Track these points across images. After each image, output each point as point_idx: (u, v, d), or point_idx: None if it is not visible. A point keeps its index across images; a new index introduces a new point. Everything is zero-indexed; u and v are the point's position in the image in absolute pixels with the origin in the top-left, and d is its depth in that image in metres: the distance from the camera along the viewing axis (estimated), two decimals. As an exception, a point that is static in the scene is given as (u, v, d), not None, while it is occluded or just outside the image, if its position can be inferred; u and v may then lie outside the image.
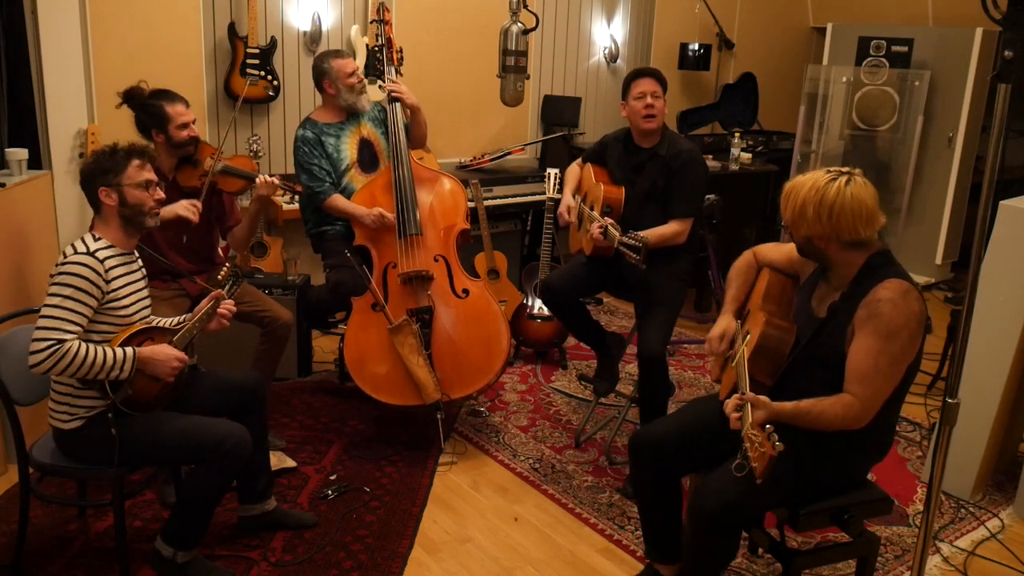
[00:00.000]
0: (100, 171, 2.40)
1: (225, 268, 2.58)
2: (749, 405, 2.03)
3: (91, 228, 2.45)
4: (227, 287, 2.55)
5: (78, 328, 2.27)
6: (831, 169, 2.17)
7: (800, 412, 2.09)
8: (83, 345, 2.24)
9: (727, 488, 2.11)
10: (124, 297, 2.40)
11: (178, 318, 2.63)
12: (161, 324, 2.58)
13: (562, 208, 3.35)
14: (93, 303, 2.30)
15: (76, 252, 2.31)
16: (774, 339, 2.25)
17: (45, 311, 2.25)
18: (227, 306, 2.55)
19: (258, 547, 2.71)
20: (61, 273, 2.27)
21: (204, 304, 2.53)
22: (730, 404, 2.09)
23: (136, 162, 2.43)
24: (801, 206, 2.14)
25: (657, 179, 3.19)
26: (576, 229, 3.43)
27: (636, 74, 3.26)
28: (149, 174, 2.46)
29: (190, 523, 2.44)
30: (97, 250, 2.34)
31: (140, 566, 2.57)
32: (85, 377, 2.27)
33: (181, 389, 2.49)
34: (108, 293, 2.34)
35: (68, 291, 2.26)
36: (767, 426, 1.92)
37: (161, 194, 2.51)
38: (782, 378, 2.25)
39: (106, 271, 2.33)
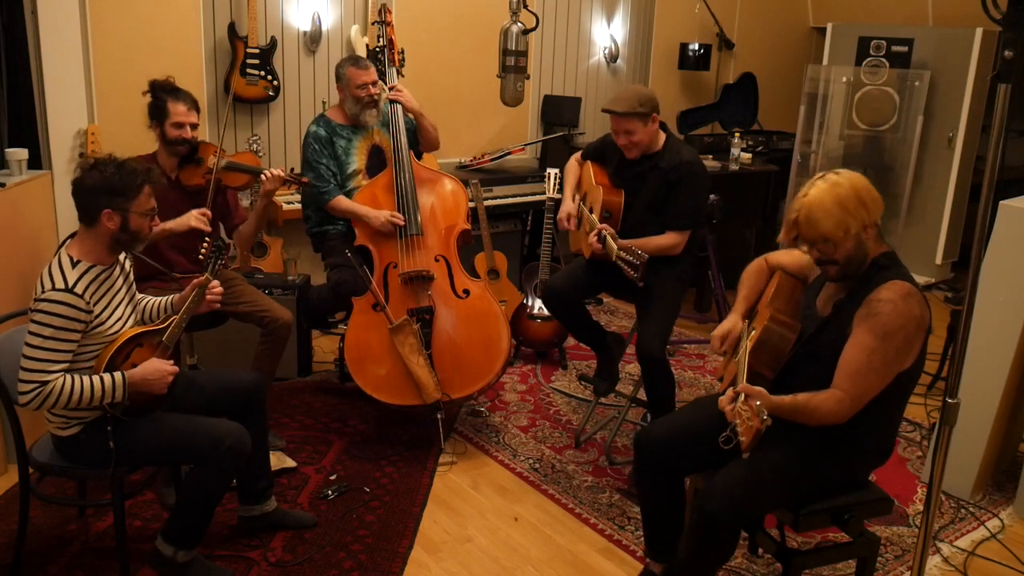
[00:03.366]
0: (111, 191, 2.27)
1: (204, 246, 2.51)
2: (743, 395, 2.04)
3: (66, 244, 2.35)
4: (209, 266, 2.49)
5: (63, 364, 2.22)
6: (805, 185, 2.16)
7: (797, 406, 2.10)
8: (68, 380, 2.20)
9: (734, 489, 2.12)
10: (108, 317, 2.35)
11: (168, 299, 2.59)
12: (149, 311, 2.56)
13: (562, 214, 3.32)
14: (76, 337, 2.24)
15: (54, 288, 2.20)
16: (776, 334, 2.26)
17: (27, 350, 2.19)
18: (213, 288, 2.47)
19: (258, 547, 2.71)
20: (40, 311, 2.19)
21: (187, 293, 2.49)
22: (725, 398, 2.10)
23: (148, 189, 2.34)
24: (839, 212, 2.08)
25: (658, 191, 3.16)
26: (575, 228, 3.42)
27: (605, 109, 3.14)
28: (153, 201, 2.38)
29: (190, 522, 2.44)
30: (76, 283, 2.23)
31: (140, 566, 2.57)
32: (78, 407, 2.26)
33: (177, 389, 2.47)
34: (92, 321, 2.28)
35: (48, 331, 2.19)
36: (758, 402, 1.93)
37: (157, 221, 2.42)
38: (782, 374, 2.26)
39: (87, 302, 2.24)
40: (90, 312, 2.26)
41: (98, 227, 2.31)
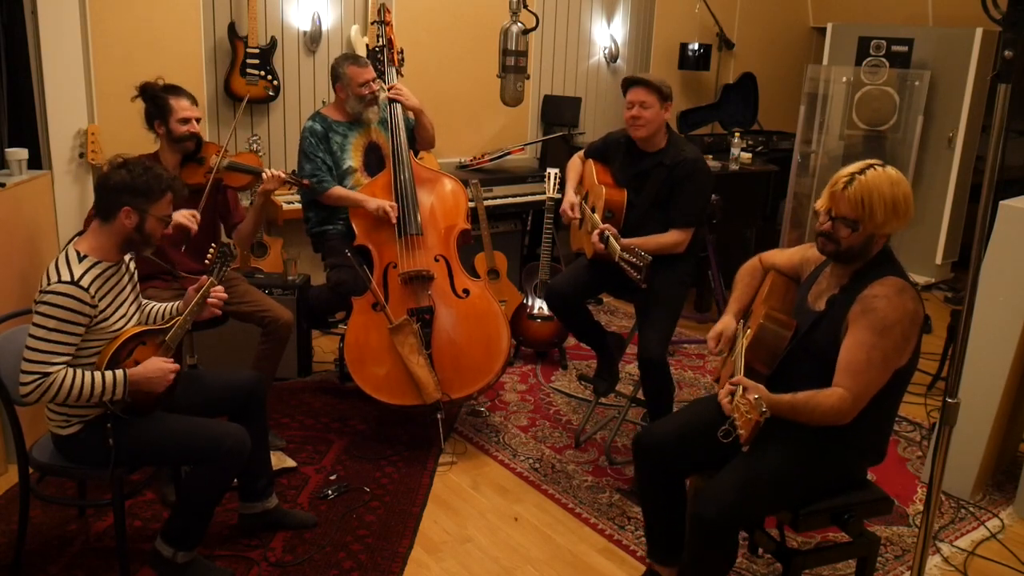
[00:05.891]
0: (134, 190, 2.32)
1: (211, 250, 2.54)
2: (741, 387, 2.03)
3: (74, 240, 2.37)
4: (215, 271, 2.51)
5: (65, 357, 2.23)
6: (853, 166, 2.15)
7: (797, 405, 2.08)
8: (70, 374, 2.21)
9: (726, 494, 2.11)
10: (112, 314, 2.35)
11: (172, 304, 2.60)
12: (153, 316, 2.56)
13: (565, 206, 3.31)
14: (80, 331, 2.25)
15: (60, 280, 2.22)
16: (771, 331, 2.26)
17: (30, 342, 2.20)
18: (217, 293, 2.49)
19: (258, 547, 2.71)
20: (45, 303, 2.20)
21: (192, 294, 2.50)
22: (724, 390, 2.10)
23: (169, 196, 2.39)
24: (887, 209, 2.12)
25: (661, 188, 3.15)
26: (578, 227, 3.42)
27: (628, 82, 3.19)
28: (170, 208, 2.43)
29: (190, 523, 2.44)
30: (82, 276, 2.24)
31: (140, 566, 2.57)
32: (77, 402, 2.26)
33: (178, 388, 2.48)
34: (96, 316, 2.29)
35: (52, 323, 2.20)
36: (756, 396, 1.93)
37: (170, 230, 2.48)
38: (778, 371, 2.26)
39: (92, 296, 2.26)
40: (95, 307, 2.27)
41: (114, 223, 2.34)
